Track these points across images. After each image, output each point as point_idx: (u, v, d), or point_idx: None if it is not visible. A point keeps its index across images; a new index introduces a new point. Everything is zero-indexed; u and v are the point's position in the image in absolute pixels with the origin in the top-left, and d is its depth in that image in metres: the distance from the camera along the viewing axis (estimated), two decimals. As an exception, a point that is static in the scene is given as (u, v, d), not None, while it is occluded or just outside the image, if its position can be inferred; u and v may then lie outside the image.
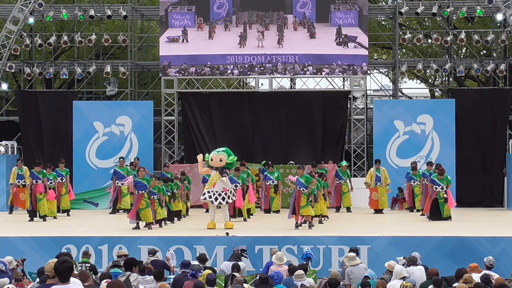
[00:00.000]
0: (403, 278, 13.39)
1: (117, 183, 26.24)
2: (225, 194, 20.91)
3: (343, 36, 29.45)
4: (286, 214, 24.95)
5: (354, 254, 15.30)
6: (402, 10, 30.14)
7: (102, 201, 27.97)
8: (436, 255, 18.23)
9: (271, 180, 26.06)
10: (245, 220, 23.54)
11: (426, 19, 35.40)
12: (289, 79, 34.81)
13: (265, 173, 26.26)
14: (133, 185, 21.29)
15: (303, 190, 20.80)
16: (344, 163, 27.06)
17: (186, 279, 13.53)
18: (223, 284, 14.32)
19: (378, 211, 26.03)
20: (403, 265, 14.70)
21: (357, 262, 15.02)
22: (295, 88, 34.61)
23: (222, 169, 21.01)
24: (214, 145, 29.54)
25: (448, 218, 22.93)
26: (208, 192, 20.99)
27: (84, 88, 32.75)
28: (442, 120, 28.57)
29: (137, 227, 20.87)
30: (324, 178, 24.21)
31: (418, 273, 14.43)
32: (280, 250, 17.13)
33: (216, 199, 20.93)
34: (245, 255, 17.25)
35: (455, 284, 13.14)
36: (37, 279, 13.00)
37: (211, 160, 21.15)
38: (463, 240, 18.79)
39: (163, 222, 21.73)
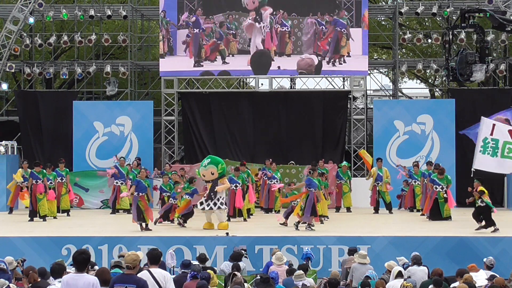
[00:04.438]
0: (399, 275, 13.40)
1: (116, 182, 26.25)
2: (210, 200, 21.13)
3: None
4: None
5: (366, 253, 15.37)
6: (402, 10, 30.15)
7: (92, 187, 27.90)
8: (436, 255, 18.24)
9: (275, 179, 25.96)
10: (245, 220, 23.54)
11: (426, 19, 35.39)
12: (289, 79, 34.82)
13: (269, 171, 26.12)
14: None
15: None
16: (344, 163, 27.05)
17: (186, 279, 13.52)
18: (223, 284, 14.31)
19: (378, 209, 26.05)
20: (403, 265, 14.71)
21: (366, 261, 15.06)
22: (295, 88, 34.61)
23: (216, 180, 21.22)
24: (214, 145, 29.65)
25: (448, 218, 22.96)
26: (201, 203, 21.30)
27: (84, 88, 32.76)
28: (442, 120, 28.56)
29: (142, 227, 20.78)
30: (324, 178, 24.19)
31: (420, 274, 14.42)
32: (280, 250, 17.14)
33: (208, 205, 21.21)
34: (245, 255, 17.25)
35: (455, 284, 13.14)
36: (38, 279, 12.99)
37: (204, 176, 21.36)
38: (463, 240, 18.82)
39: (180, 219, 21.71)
